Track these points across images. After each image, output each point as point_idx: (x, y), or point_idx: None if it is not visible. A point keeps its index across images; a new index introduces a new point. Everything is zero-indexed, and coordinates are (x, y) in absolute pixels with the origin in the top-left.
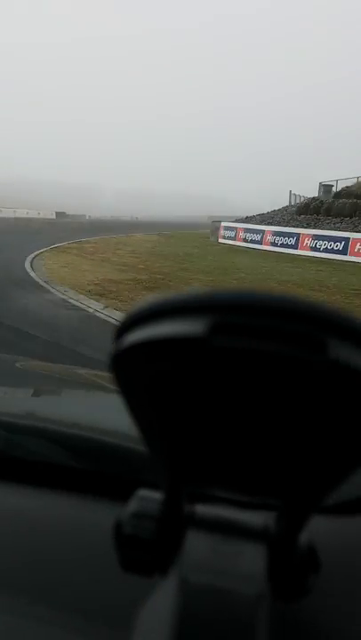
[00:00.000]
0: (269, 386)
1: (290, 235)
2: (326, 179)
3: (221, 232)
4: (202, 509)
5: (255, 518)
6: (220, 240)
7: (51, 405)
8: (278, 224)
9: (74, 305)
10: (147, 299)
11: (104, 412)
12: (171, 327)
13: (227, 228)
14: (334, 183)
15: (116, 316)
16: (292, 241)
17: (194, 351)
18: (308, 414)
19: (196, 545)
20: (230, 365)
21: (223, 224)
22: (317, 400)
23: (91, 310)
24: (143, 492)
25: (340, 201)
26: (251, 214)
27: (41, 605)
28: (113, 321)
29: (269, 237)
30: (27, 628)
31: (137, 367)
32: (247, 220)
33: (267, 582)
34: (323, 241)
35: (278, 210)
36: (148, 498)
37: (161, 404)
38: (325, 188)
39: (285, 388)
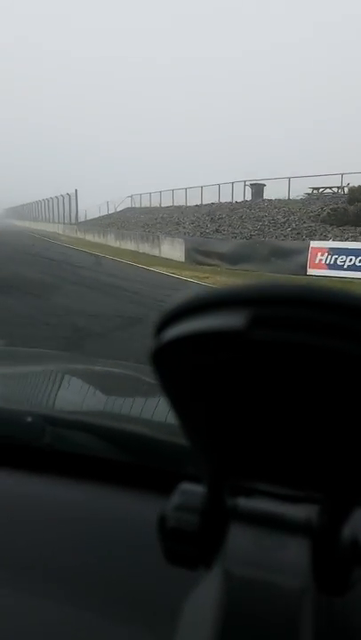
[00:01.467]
0: (310, 378)
1: None
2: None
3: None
4: (244, 502)
5: (298, 511)
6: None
7: (94, 399)
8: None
9: None
10: (185, 293)
11: (146, 406)
12: (210, 321)
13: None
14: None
15: None
16: None
17: (234, 344)
18: (350, 406)
19: (240, 538)
20: (270, 358)
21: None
22: (359, 391)
23: None
24: (186, 486)
25: None
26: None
27: (89, 596)
28: None
29: None
30: (76, 618)
31: (178, 361)
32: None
33: (310, 576)
34: None
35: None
36: (191, 491)
37: (202, 397)
38: (256, 187)
39: (326, 379)
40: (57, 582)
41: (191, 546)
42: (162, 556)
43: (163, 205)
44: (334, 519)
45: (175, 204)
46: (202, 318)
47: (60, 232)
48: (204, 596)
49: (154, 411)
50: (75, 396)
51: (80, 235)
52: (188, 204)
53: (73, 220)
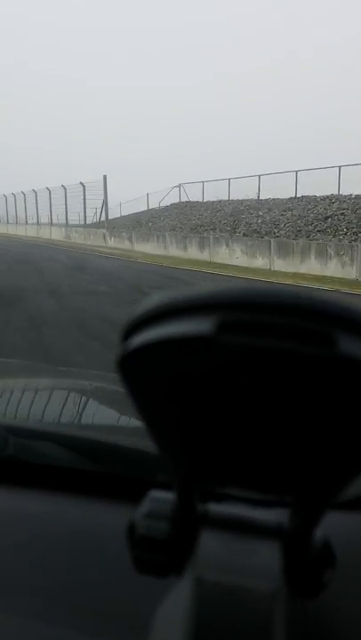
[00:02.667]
0: (278, 382)
1: None
2: None
3: None
4: (215, 508)
5: (269, 515)
6: None
7: (59, 409)
8: None
9: None
10: (152, 298)
11: (113, 414)
12: (177, 327)
13: None
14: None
15: None
16: None
17: (201, 350)
18: (319, 410)
19: (211, 544)
20: (238, 363)
21: None
22: (328, 396)
23: None
24: (155, 493)
25: None
26: None
27: (56, 607)
28: None
29: None
30: (42, 629)
31: (145, 368)
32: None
33: (282, 579)
34: None
35: None
36: (161, 498)
37: (171, 403)
38: None
39: (294, 383)
40: (20, 595)
41: (161, 553)
42: (132, 565)
43: (230, 198)
44: (305, 522)
45: (234, 197)
46: (169, 324)
47: (78, 240)
48: (176, 603)
49: (120, 418)
50: (39, 405)
51: (117, 243)
52: (265, 197)
53: (88, 220)
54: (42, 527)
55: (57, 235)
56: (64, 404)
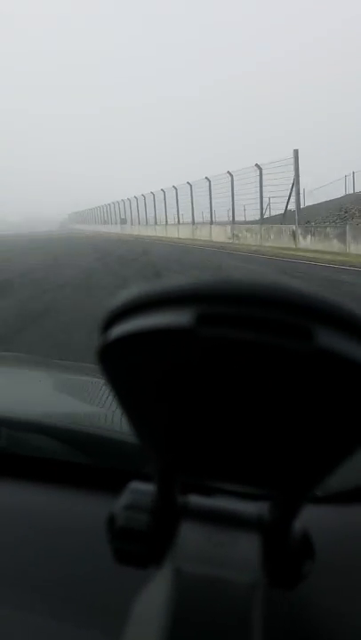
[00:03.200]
0: (257, 375)
1: None
2: None
3: None
4: (195, 500)
5: (249, 508)
6: None
7: (46, 400)
8: None
9: None
10: (131, 290)
11: (97, 405)
12: (156, 318)
13: None
14: None
15: None
16: None
17: (181, 342)
18: (297, 403)
19: (190, 535)
20: (217, 355)
21: None
22: (306, 389)
23: None
24: (135, 485)
25: None
26: None
27: (38, 597)
28: None
29: None
30: (23, 619)
31: (125, 359)
32: None
33: (262, 570)
34: None
35: None
36: (141, 490)
37: (150, 394)
38: None
39: (273, 376)
40: (10, 586)
41: (141, 544)
42: (112, 556)
43: None
44: (285, 514)
45: None
46: (148, 316)
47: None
48: (155, 594)
49: (106, 410)
50: (28, 397)
51: (316, 243)
52: None
53: (244, 215)
54: (26, 518)
55: (219, 235)
56: (49, 395)
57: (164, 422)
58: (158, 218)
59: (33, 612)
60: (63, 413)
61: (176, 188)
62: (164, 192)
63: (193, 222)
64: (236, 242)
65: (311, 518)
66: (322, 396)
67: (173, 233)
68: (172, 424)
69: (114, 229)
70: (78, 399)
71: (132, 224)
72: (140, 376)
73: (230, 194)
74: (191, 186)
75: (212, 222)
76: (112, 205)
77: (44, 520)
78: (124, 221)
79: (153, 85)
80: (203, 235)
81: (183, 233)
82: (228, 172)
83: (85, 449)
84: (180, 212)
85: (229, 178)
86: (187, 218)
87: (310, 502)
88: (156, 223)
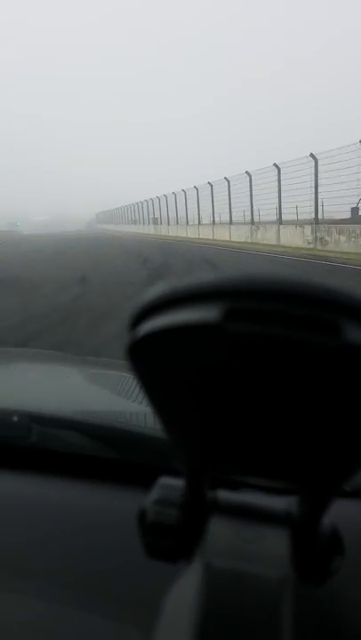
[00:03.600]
0: (285, 370)
1: None
2: None
3: None
4: (224, 495)
5: (277, 503)
6: None
7: (79, 397)
8: None
9: None
10: (159, 286)
11: (126, 401)
12: (185, 315)
13: None
14: None
15: None
16: None
17: (209, 337)
18: (326, 398)
19: (220, 530)
20: (245, 351)
21: None
22: (335, 383)
23: None
24: (165, 480)
25: None
26: None
27: (71, 591)
28: None
29: None
30: (58, 612)
31: (154, 355)
32: None
33: (291, 566)
34: None
35: None
36: (171, 485)
37: (178, 390)
38: None
39: (301, 371)
40: (43, 580)
41: (171, 539)
42: (143, 551)
43: None
44: (313, 510)
45: None
46: (177, 312)
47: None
48: (185, 589)
49: (136, 406)
50: (60, 394)
51: None
52: None
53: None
54: (62, 513)
55: (293, 238)
56: (79, 392)
57: (192, 418)
58: (192, 216)
59: (65, 606)
60: (93, 409)
61: (211, 185)
62: (197, 189)
63: (252, 221)
64: (323, 248)
65: (339, 513)
66: (350, 391)
67: (224, 235)
68: (201, 420)
69: (145, 229)
70: (108, 395)
71: (161, 224)
72: (168, 372)
73: (277, 190)
74: (229, 182)
75: (280, 222)
76: (141, 204)
77: (74, 515)
78: (156, 221)
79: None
80: (266, 238)
81: (235, 235)
82: (275, 163)
83: (115, 444)
84: (217, 212)
85: (275, 172)
86: (220, 217)
87: (339, 497)
88: (194, 222)
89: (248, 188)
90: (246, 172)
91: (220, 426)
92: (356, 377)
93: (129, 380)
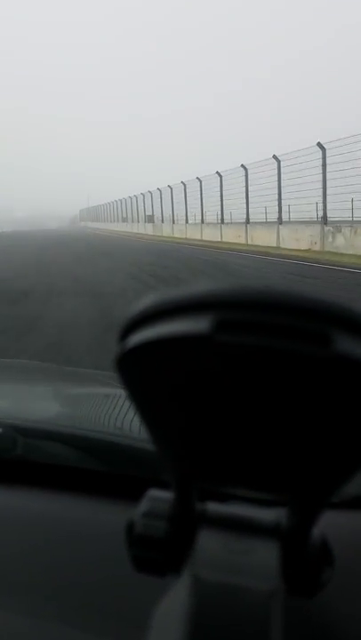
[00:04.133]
0: (276, 381)
1: None
2: None
3: None
4: (213, 507)
5: (267, 515)
6: None
7: (65, 409)
8: None
9: None
10: (149, 297)
11: (118, 414)
12: (175, 326)
13: None
14: None
15: None
16: None
17: (199, 349)
18: (315, 409)
19: (209, 543)
20: (236, 362)
21: None
22: (324, 394)
23: None
24: (154, 492)
25: None
26: None
27: (56, 605)
28: None
29: None
30: (42, 627)
31: (143, 366)
32: None
33: (280, 578)
34: None
35: None
36: (159, 497)
37: (168, 402)
38: None
39: (292, 383)
40: (27, 594)
41: (159, 552)
42: (130, 564)
43: None
44: (303, 521)
45: None
46: (167, 323)
47: None
48: (173, 602)
49: (124, 418)
50: (46, 405)
51: None
52: None
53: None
54: (43, 525)
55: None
56: (66, 403)
57: (181, 429)
58: (193, 214)
59: (49, 620)
60: (80, 421)
61: (220, 175)
62: (201, 181)
63: (279, 220)
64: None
65: (328, 524)
66: (340, 403)
67: (262, 238)
68: (190, 431)
69: (137, 228)
70: (95, 407)
71: (161, 222)
72: (158, 383)
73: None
74: (247, 170)
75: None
76: (132, 199)
77: (61, 528)
78: (151, 219)
79: (171, 95)
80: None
81: (265, 238)
82: (275, 155)
83: (103, 456)
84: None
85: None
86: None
87: (328, 508)
88: (195, 220)
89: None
90: (242, 165)
91: (209, 437)
92: (346, 388)
93: (117, 392)
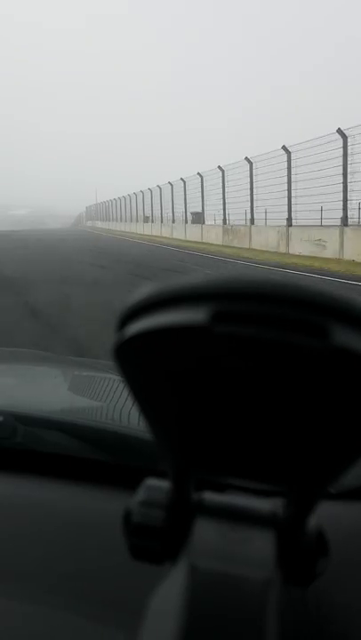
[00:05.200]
0: (273, 372)
1: None
2: None
3: None
4: (210, 496)
5: (263, 504)
6: None
7: (65, 398)
8: None
9: None
10: (147, 287)
11: (116, 403)
12: (173, 316)
13: None
14: None
15: None
16: None
17: (196, 339)
18: (312, 400)
19: (205, 532)
20: (233, 353)
21: None
22: (321, 386)
23: None
24: (151, 481)
25: None
26: None
27: (55, 592)
28: None
29: None
30: (42, 614)
31: (140, 356)
32: None
33: (276, 567)
34: None
35: None
36: (157, 486)
37: (165, 391)
38: None
39: (289, 374)
40: (26, 582)
41: (156, 541)
42: (128, 552)
43: None
44: (299, 511)
45: None
46: (164, 313)
47: None
48: (170, 590)
49: (122, 407)
50: (46, 394)
51: None
52: None
53: None
54: (43, 514)
55: None
56: (65, 392)
57: (179, 419)
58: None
59: (49, 607)
60: (79, 410)
61: (247, 160)
62: (223, 170)
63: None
64: None
65: (325, 515)
66: (337, 394)
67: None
68: (188, 421)
69: (174, 232)
70: (94, 396)
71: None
72: (155, 373)
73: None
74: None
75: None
76: (152, 192)
77: (59, 516)
78: (198, 218)
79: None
80: None
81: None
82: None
83: (101, 446)
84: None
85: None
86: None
87: (324, 499)
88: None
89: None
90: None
91: (206, 427)
92: (343, 379)
93: (115, 382)
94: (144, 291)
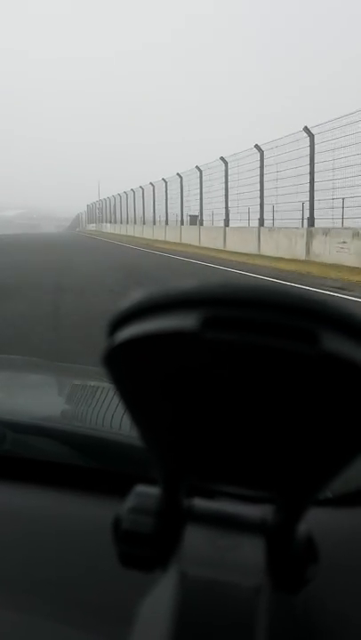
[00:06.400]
0: (262, 379)
1: None
2: None
3: None
4: (200, 503)
5: (253, 511)
6: None
7: (54, 404)
8: None
9: None
10: (137, 293)
11: (103, 408)
12: (162, 322)
13: None
14: None
15: None
16: None
17: (186, 345)
18: (301, 407)
19: (195, 539)
20: (223, 359)
21: None
22: (311, 392)
23: None
24: (141, 488)
25: None
26: None
27: (44, 601)
28: None
29: None
30: (29, 623)
31: (130, 362)
32: None
33: (266, 574)
34: None
35: None
36: (147, 493)
37: (155, 397)
38: None
39: (278, 380)
40: (12, 589)
41: (146, 548)
42: (117, 559)
43: None
44: (289, 518)
45: None
46: (154, 319)
47: None
48: (160, 598)
49: (113, 414)
50: (35, 400)
51: None
52: None
53: None
54: (31, 521)
55: None
56: (55, 399)
57: (169, 425)
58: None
59: (37, 616)
60: (68, 416)
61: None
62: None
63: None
64: None
65: (314, 521)
66: (326, 400)
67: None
68: (178, 427)
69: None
70: (83, 402)
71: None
72: (145, 379)
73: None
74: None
75: None
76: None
77: (48, 523)
78: (193, 221)
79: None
80: None
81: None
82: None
83: (91, 452)
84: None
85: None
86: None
87: (314, 505)
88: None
89: None
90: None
91: (196, 433)
92: (333, 385)
93: (105, 388)
94: (134, 297)
